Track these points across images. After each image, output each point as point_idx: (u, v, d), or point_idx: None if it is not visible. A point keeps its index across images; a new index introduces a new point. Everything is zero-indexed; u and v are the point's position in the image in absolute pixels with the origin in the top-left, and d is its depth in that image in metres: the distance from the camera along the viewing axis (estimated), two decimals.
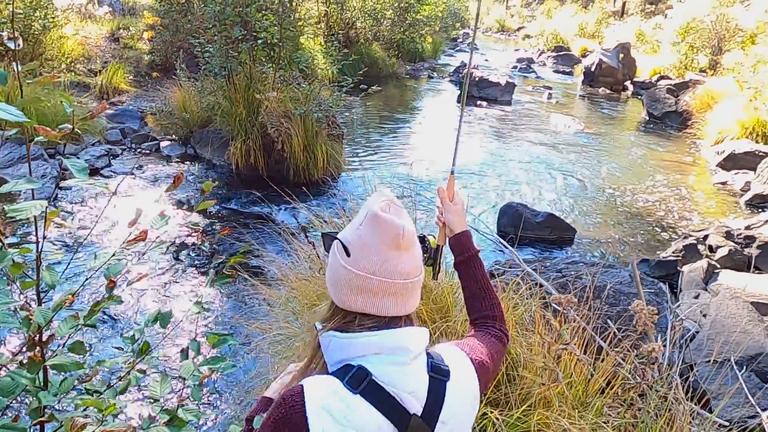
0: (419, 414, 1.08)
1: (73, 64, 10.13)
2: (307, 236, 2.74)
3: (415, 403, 1.07)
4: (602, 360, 2.34)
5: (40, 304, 1.54)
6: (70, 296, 1.39)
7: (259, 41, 6.82)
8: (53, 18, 9.59)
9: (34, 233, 1.59)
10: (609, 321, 2.70)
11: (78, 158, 6.10)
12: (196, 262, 5.06)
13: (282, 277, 3.00)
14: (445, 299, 2.19)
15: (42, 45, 9.35)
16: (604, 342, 2.47)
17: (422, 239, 1.43)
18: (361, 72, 8.28)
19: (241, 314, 4.05)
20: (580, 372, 2.04)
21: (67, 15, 11.87)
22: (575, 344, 2.12)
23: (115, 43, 11.86)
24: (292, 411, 1.03)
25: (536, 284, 2.87)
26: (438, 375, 1.12)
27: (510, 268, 3.33)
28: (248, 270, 4.49)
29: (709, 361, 3.59)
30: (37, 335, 1.38)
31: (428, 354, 1.15)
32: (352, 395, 1.03)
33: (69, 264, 2.07)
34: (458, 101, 13.78)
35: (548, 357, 1.99)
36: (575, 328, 2.30)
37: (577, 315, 2.40)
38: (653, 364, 2.02)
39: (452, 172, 1.64)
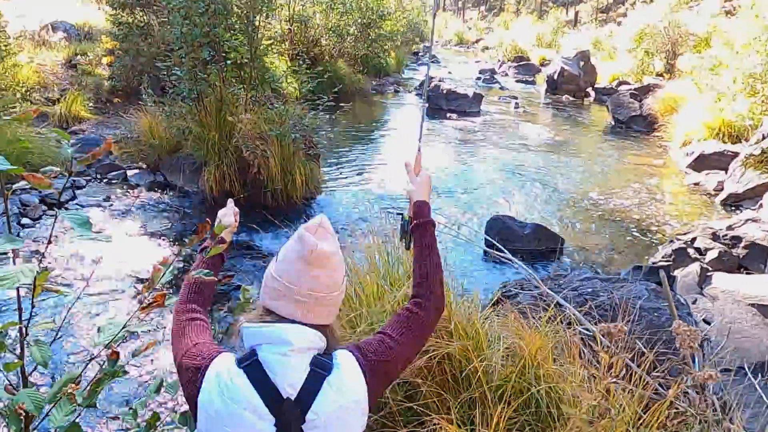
0: (292, 399, 1.18)
1: (28, 93, 9.67)
2: None
3: (289, 390, 1.19)
4: (635, 384, 2.20)
5: (25, 385, 1.29)
6: (72, 384, 1.16)
7: (229, 62, 6.59)
8: (5, 46, 9.14)
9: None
10: (636, 339, 2.57)
11: (40, 193, 5.67)
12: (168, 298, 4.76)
13: None
14: (478, 336, 2.01)
15: None
16: (636, 364, 2.33)
17: (400, 215, 1.66)
18: (335, 90, 8.11)
19: None
20: (625, 405, 1.89)
21: (20, 42, 11.39)
22: (615, 373, 1.97)
23: (72, 70, 11.40)
24: (197, 367, 1.24)
25: (555, 304, 2.72)
26: (319, 369, 1.22)
27: (522, 288, 3.19)
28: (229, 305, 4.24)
29: (722, 369, 3.51)
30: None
31: (323, 354, 1.26)
32: (237, 370, 1.20)
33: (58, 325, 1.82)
34: (427, 114, 13.74)
35: (596, 392, 1.84)
36: (607, 351, 2.15)
37: (606, 337, 2.25)
38: (704, 390, 1.89)
39: (419, 149, 1.84)
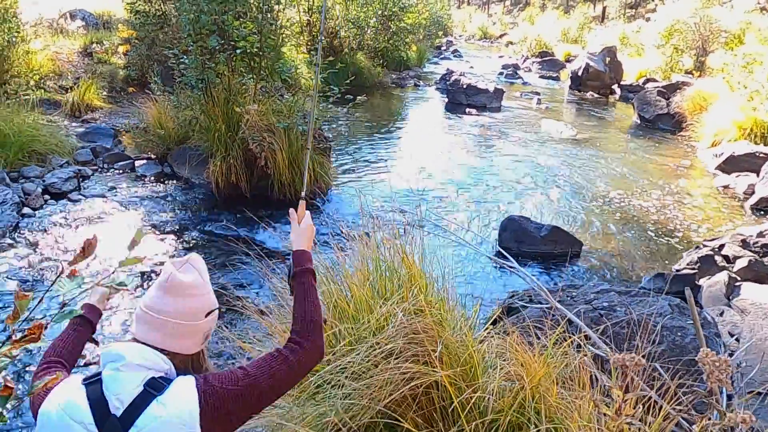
0: (118, 415, 1.23)
1: (42, 80, 9.60)
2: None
3: (117, 404, 1.24)
4: (653, 416, 1.93)
5: None
6: None
7: (238, 51, 6.38)
8: (19, 32, 9.07)
9: None
10: (652, 361, 2.29)
11: (43, 182, 5.53)
12: None
13: (260, 318, 2.54)
14: (472, 361, 1.76)
15: (7, 61, 8.82)
16: (656, 392, 2.06)
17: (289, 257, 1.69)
18: (348, 81, 7.87)
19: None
20: None
21: (36, 29, 11.35)
22: (630, 411, 1.70)
23: (88, 58, 11.34)
24: (48, 388, 1.28)
25: (565, 320, 2.45)
26: (151, 389, 1.26)
27: (531, 301, 2.91)
28: (225, 308, 4.04)
29: (752, 392, 3.20)
30: None
31: (163, 377, 1.30)
32: (80, 386, 1.28)
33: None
34: (447, 109, 13.43)
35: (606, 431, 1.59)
36: (621, 387, 1.88)
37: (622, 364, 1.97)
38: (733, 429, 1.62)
39: (302, 198, 1.89)
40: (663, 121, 12.56)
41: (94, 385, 1.27)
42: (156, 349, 1.32)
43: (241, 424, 1.39)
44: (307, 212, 1.77)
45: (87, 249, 1.00)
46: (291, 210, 1.78)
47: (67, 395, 1.26)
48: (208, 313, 1.42)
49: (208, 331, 1.45)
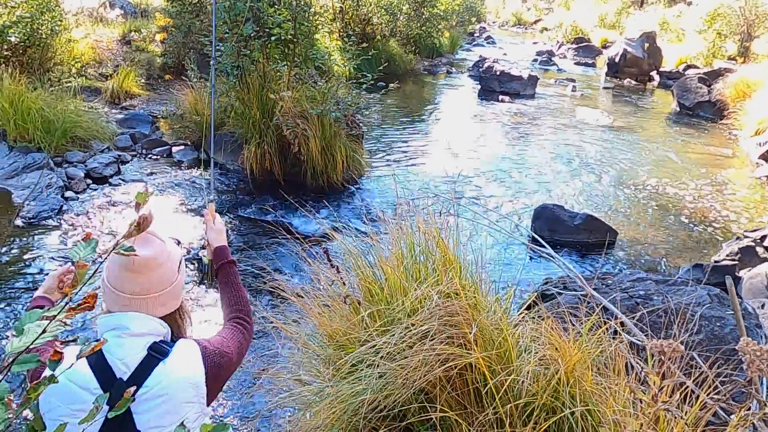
0: (125, 379, 1.29)
1: (83, 68, 9.85)
2: (330, 260, 2.35)
3: (123, 369, 1.30)
4: (690, 405, 1.91)
5: None
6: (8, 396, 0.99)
7: (273, 38, 6.43)
8: (61, 21, 9.31)
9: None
10: (691, 351, 2.25)
11: (85, 166, 5.72)
12: (208, 276, 4.70)
13: (296, 299, 2.58)
14: (506, 344, 1.77)
15: (51, 49, 9.08)
16: (693, 382, 2.03)
17: (199, 260, 1.98)
18: (380, 68, 7.85)
19: (254, 354, 3.67)
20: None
21: (78, 18, 11.63)
22: (666, 398, 1.69)
23: (126, 46, 11.57)
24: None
25: (600, 306, 2.43)
26: (155, 353, 1.33)
27: (565, 288, 2.89)
28: (263, 289, 4.12)
29: None
30: None
31: (163, 341, 1.39)
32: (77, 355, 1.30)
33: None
34: (479, 96, 13.30)
35: (642, 418, 1.58)
36: (658, 373, 1.86)
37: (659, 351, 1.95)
38: None
39: (211, 201, 2.08)
40: (704, 108, 12.20)
41: (94, 353, 1.28)
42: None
43: (218, 392, 1.52)
44: (216, 213, 1.90)
45: (143, 224, 1.04)
46: (205, 211, 1.90)
47: (69, 363, 1.28)
48: (179, 267, 1.48)
49: (184, 278, 1.52)
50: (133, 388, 1.15)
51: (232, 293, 1.69)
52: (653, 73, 16.94)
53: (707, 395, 1.92)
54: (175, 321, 1.48)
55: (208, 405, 1.42)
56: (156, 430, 1.31)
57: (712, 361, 2.14)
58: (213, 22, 5.45)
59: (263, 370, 2.54)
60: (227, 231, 1.91)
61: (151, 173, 6.72)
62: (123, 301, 1.38)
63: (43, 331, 0.92)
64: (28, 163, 6.18)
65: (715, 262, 5.09)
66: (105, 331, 1.35)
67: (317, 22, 7.58)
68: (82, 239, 1.15)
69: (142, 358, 1.31)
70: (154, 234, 1.43)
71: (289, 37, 6.53)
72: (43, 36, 8.65)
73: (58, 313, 1.08)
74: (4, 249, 4.81)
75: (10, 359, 0.95)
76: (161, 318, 1.41)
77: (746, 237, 5.45)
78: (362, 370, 1.86)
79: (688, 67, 16.47)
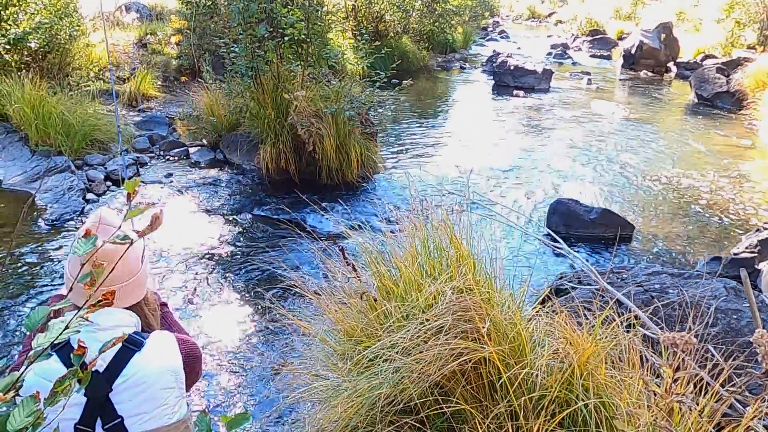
0: (101, 371, 1.32)
1: (101, 72, 10.01)
2: (345, 258, 2.39)
3: (99, 362, 1.31)
4: (702, 394, 1.92)
5: None
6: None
7: (286, 38, 6.49)
8: (79, 26, 9.47)
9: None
10: (706, 344, 2.26)
11: (105, 169, 5.83)
12: (227, 275, 4.78)
13: (314, 298, 2.63)
14: (520, 338, 1.79)
15: (70, 54, 9.24)
16: (708, 374, 2.04)
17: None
18: (393, 66, 7.87)
19: (270, 347, 3.73)
20: (692, 427, 1.62)
21: (95, 23, 11.81)
22: (682, 387, 1.70)
23: (143, 49, 11.73)
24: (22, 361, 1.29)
25: (614, 300, 2.44)
26: (130, 345, 1.36)
27: (580, 282, 2.90)
28: (280, 287, 4.18)
29: None
30: None
31: (137, 332, 1.42)
32: (51, 354, 1.32)
33: None
34: (494, 91, 13.25)
35: (656, 410, 1.59)
36: (671, 366, 1.87)
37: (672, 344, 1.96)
38: None
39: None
40: (722, 99, 12.03)
41: (64, 349, 1.33)
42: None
43: (194, 382, 1.56)
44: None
45: (154, 222, 1.09)
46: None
47: (42, 365, 1.28)
48: (142, 258, 1.49)
49: (148, 269, 1.54)
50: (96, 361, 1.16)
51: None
52: (670, 64, 16.73)
53: (723, 387, 1.93)
54: (143, 312, 1.50)
55: (186, 390, 1.46)
56: (138, 417, 1.34)
57: (728, 353, 2.14)
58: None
59: (282, 365, 2.59)
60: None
61: (169, 174, 6.82)
62: (81, 291, 1.37)
63: (66, 327, 0.96)
64: (50, 167, 6.32)
65: (734, 254, 5.05)
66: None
67: (330, 21, 7.64)
68: (83, 235, 1.20)
69: (117, 350, 1.34)
70: (113, 225, 1.43)
71: (303, 36, 6.59)
72: (62, 41, 8.81)
73: (79, 310, 1.13)
74: (28, 250, 4.93)
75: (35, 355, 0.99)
76: (128, 309, 1.44)
77: (765, 229, 5.38)
78: (379, 365, 1.90)
79: (706, 57, 16.23)
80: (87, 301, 1.37)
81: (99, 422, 1.32)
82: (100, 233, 1.35)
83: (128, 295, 1.45)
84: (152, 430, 1.36)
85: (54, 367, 1.31)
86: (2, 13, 7.81)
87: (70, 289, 1.13)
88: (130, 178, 1.08)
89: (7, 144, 6.92)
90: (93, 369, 1.20)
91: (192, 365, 1.47)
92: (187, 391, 1.47)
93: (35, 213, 5.59)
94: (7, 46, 7.75)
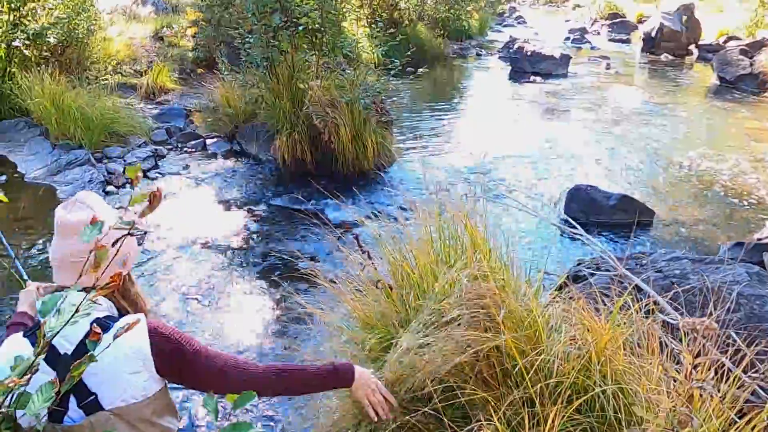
0: (69, 353, 1.33)
1: (119, 65, 10.10)
2: (360, 246, 2.39)
3: (66, 345, 1.33)
4: (725, 381, 1.88)
5: None
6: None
7: (300, 27, 6.47)
8: (97, 21, 9.55)
9: None
10: (727, 330, 2.22)
11: (124, 161, 5.92)
12: (244, 265, 4.81)
13: (330, 287, 2.63)
14: (536, 325, 1.78)
15: (88, 48, 9.33)
16: (730, 360, 2.00)
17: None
18: (408, 53, 7.81)
19: (287, 336, 3.76)
20: (713, 413, 1.60)
21: (112, 17, 11.91)
22: (703, 373, 1.67)
23: (159, 42, 11.80)
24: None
25: (634, 287, 2.41)
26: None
27: (598, 269, 2.87)
28: (297, 276, 4.20)
29: None
30: None
31: (108, 316, 1.41)
32: (23, 340, 1.35)
33: None
34: (510, 77, 13.10)
35: (676, 396, 1.57)
36: (691, 351, 1.84)
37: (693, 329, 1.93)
38: None
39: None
40: (745, 81, 11.76)
41: (33, 331, 1.35)
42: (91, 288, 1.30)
43: (193, 385, 1.53)
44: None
45: (153, 201, 1.11)
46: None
47: (11, 349, 1.32)
48: (114, 243, 1.39)
49: (121, 257, 1.41)
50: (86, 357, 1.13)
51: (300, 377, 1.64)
52: (692, 47, 16.38)
53: (746, 374, 1.90)
54: (115, 298, 1.47)
55: (163, 378, 1.43)
56: (109, 394, 1.34)
57: (750, 339, 2.10)
58: None
59: (296, 351, 2.60)
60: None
61: (187, 166, 6.88)
62: (62, 266, 1.41)
63: (77, 310, 0.98)
64: (71, 160, 6.41)
65: (757, 239, 4.94)
66: (44, 313, 1.34)
67: (344, 9, 7.59)
68: (89, 222, 1.23)
69: (85, 333, 1.31)
70: (83, 202, 1.44)
71: (317, 26, 6.57)
72: (80, 36, 8.89)
73: (89, 293, 1.15)
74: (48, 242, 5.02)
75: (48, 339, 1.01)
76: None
77: None
78: (393, 354, 1.90)
79: (729, 38, 15.85)
80: (57, 269, 1.43)
81: (74, 401, 1.32)
82: (70, 207, 1.43)
83: (107, 270, 1.36)
84: (126, 405, 1.35)
85: (25, 353, 1.26)
86: (21, 8, 7.90)
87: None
88: (130, 164, 1.08)
89: (28, 138, 7.04)
90: (63, 353, 1.32)
91: (163, 356, 1.41)
92: (164, 378, 1.43)
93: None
94: (27, 42, 7.84)
